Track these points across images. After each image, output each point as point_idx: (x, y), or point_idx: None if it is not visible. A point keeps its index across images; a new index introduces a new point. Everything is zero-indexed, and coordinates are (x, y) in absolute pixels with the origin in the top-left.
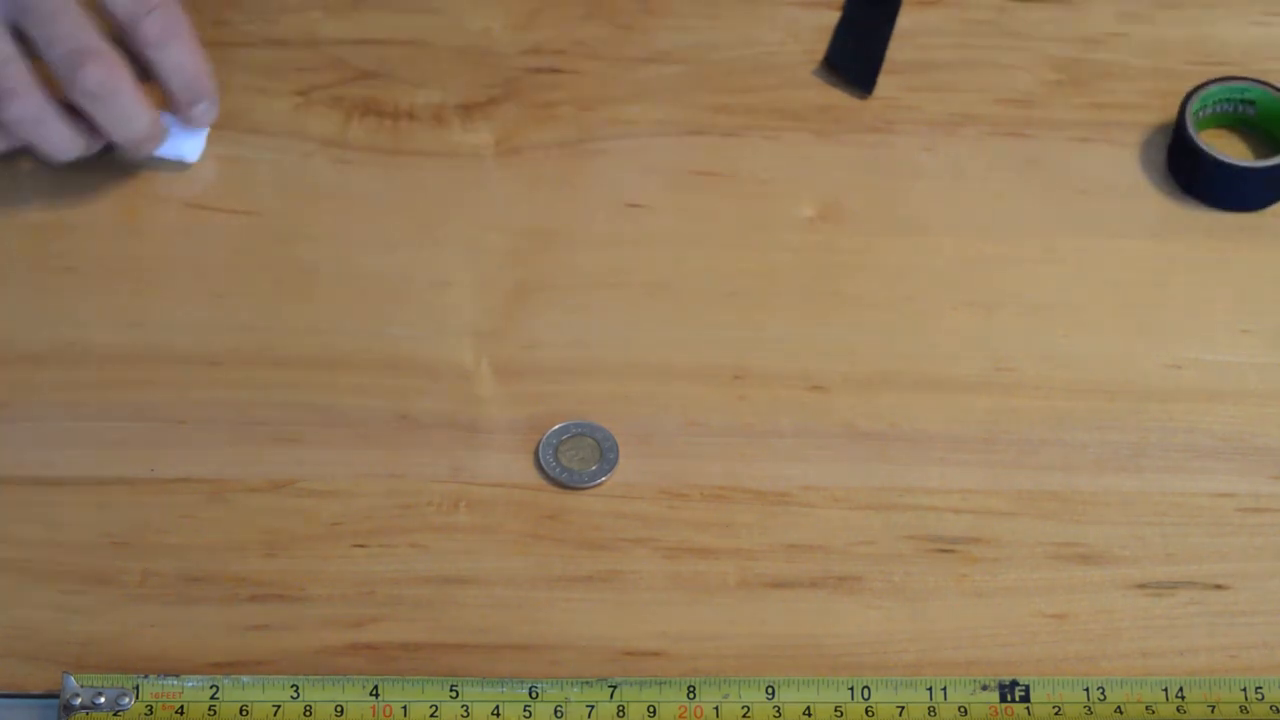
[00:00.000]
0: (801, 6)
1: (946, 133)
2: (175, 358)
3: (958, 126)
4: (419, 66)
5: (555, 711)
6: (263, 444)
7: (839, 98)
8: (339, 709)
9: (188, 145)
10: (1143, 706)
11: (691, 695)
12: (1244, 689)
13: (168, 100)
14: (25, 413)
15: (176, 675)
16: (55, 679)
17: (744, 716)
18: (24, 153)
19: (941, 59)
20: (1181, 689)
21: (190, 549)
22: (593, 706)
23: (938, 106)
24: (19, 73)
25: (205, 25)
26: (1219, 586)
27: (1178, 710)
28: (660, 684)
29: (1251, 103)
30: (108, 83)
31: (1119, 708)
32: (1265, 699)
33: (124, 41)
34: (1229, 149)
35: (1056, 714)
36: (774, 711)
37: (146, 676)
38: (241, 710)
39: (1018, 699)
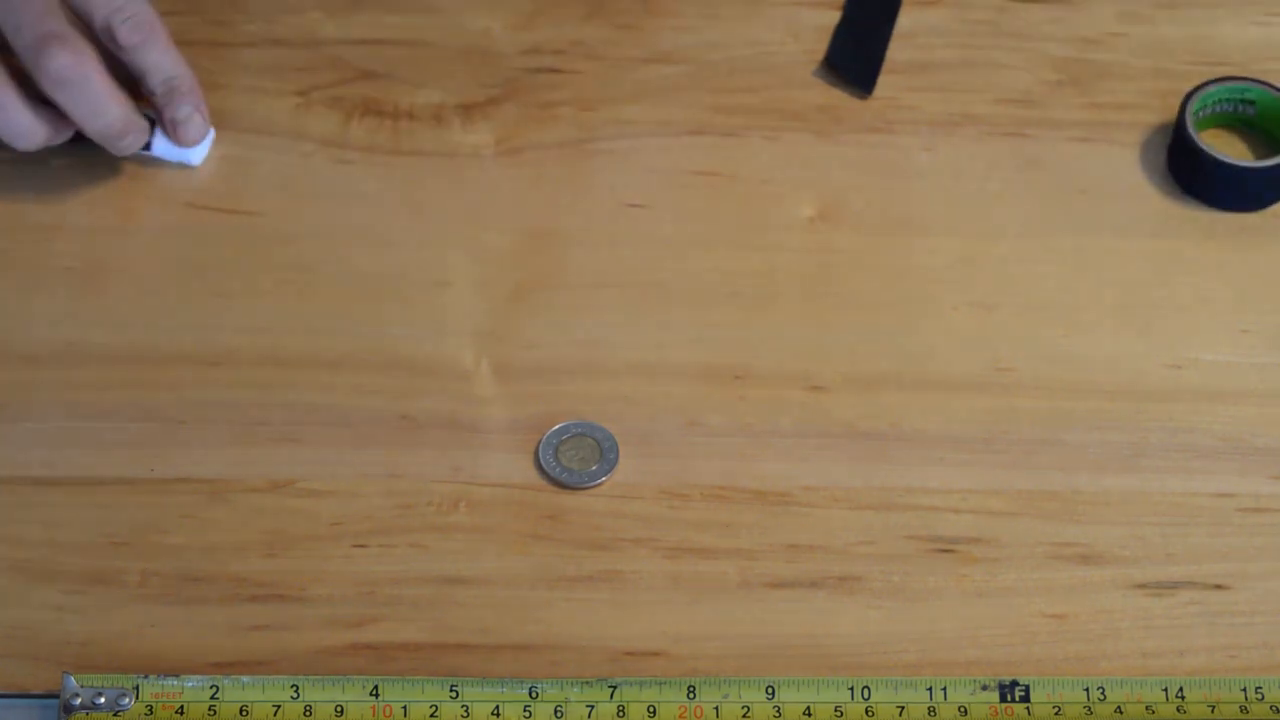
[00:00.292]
0: (801, 6)
1: (946, 133)
2: (175, 358)
3: (958, 126)
4: (419, 66)
5: (555, 711)
6: (263, 444)
7: (839, 98)
8: (339, 709)
9: (193, 149)
10: (1143, 706)
11: (691, 695)
12: (1244, 689)
13: (152, 104)
14: (25, 413)
15: (176, 675)
16: (55, 679)
17: (744, 716)
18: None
19: (941, 59)
20: (1181, 689)
21: (190, 549)
22: (593, 706)
23: (938, 106)
24: None
25: (205, 25)
26: (1219, 586)
27: (1178, 710)
28: (660, 684)
29: (1251, 103)
30: (74, 68)
31: (1119, 708)
32: (1265, 699)
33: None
34: (1229, 149)
35: (1056, 714)
36: (774, 711)
37: (146, 676)
38: (241, 710)
39: (1018, 699)
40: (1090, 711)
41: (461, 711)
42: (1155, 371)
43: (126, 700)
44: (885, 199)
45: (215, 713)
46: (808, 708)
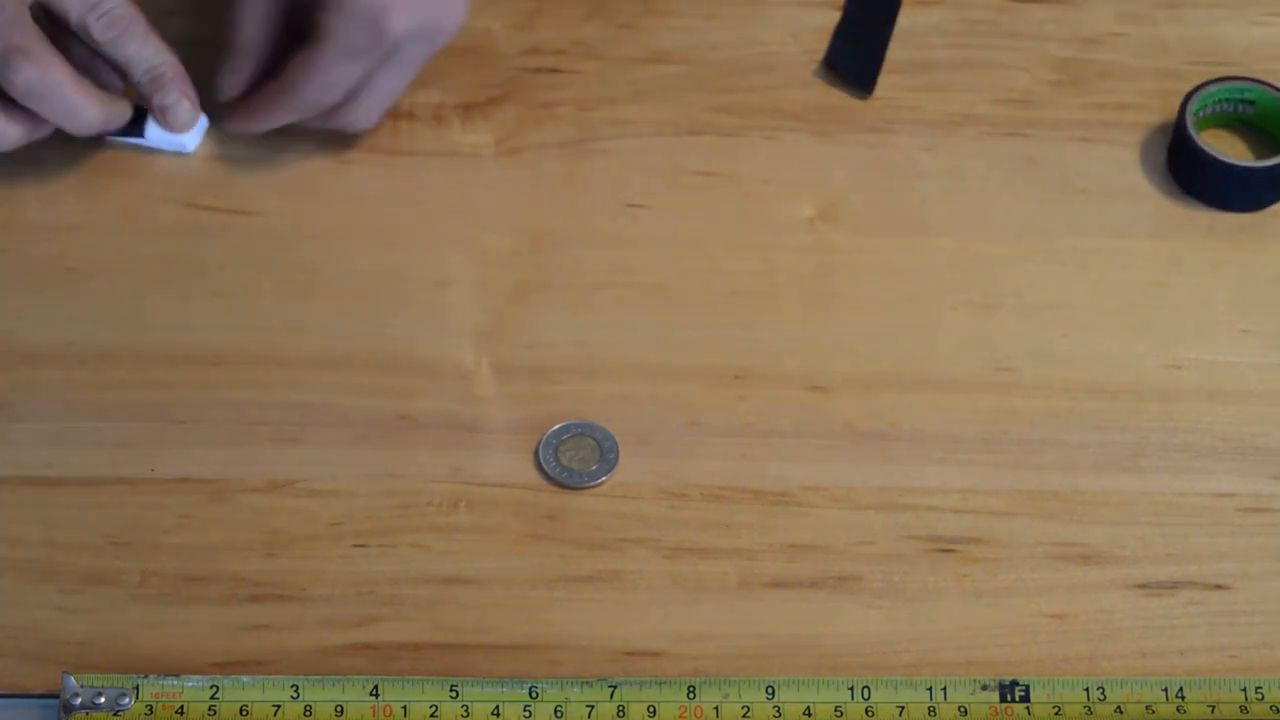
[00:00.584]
0: (801, 6)
1: (946, 133)
2: (175, 358)
3: (958, 126)
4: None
5: (555, 711)
6: (263, 444)
7: (839, 98)
8: (339, 709)
9: (187, 135)
10: (1143, 706)
11: (691, 695)
12: (1244, 689)
13: (138, 93)
14: (25, 413)
15: (176, 675)
16: (55, 679)
17: (744, 716)
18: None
19: (941, 59)
20: (1181, 689)
21: (190, 549)
22: (593, 706)
23: (938, 106)
24: None
25: (208, 26)
26: (1219, 586)
27: (1178, 710)
28: (660, 684)
29: (1251, 103)
30: (41, 81)
31: (1119, 708)
32: (1265, 699)
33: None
34: (1229, 149)
35: (1056, 714)
36: (774, 711)
37: (146, 676)
38: (241, 710)
39: (1018, 699)
40: (1090, 711)
41: (461, 711)
42: (1155, 371)
43: (126, 700)
44: (885, 199)
45: (215, 713)
46: (808, 708)
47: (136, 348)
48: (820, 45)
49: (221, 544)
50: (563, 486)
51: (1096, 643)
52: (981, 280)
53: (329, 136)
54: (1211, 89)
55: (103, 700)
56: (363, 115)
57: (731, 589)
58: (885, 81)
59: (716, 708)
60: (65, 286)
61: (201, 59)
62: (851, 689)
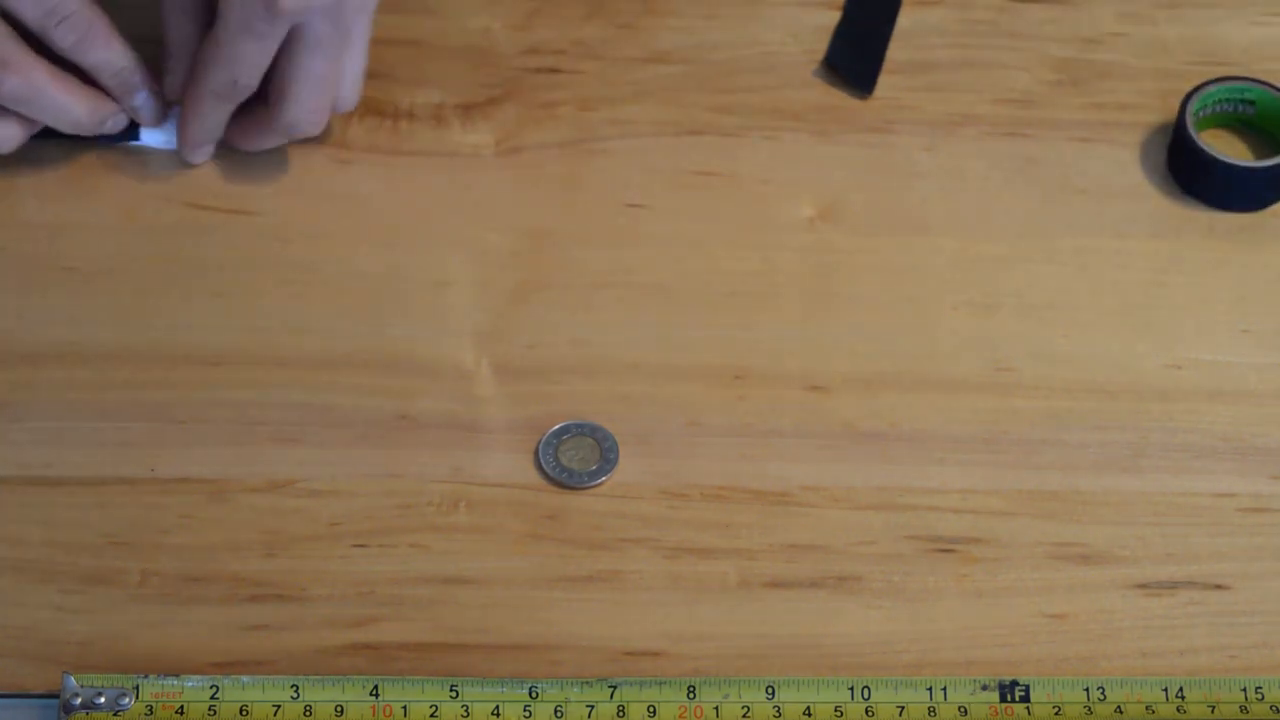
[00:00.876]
0: (801, 6)
1: (946, 133)
2: (175, 358)
3: (958, 126)
4: (419, 66)
5: (555, 711)
6: (263, 444)
7: (839, 98)
8: (339, 709)
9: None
10: (1143, 706)
11: (691, 695)
12: (1244, 689)
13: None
14: (25, 413)
15: (176, 675)
16: (55, 679)
17: (744, 716)
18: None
19: (941, 59)
20: (1181, 689)
21: (190, 549)
22: (593, 706)
23: (938, 106)
24: None
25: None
26: (1219, 586)
27: (1178, 710)
28: (660, 684)
29: (1251, 103)
30: (24, 89)
31: (1119, 708)
32: (1265, 699)
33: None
34: (1229, 149)
35: (1056, 714)
36: (774, 711)
37: (146, 676)
38: (241, 710)
39: (1018, 699)
40: (1090, 711)
41: (461, 711)
42: (1155, 371)
43: (126, 700)
44: (885, 199)
45: (215, 713)
46: (808, 708)
47: (136, 348)
48: (820, 45)
49: (221, 544)
50: (563, 486)
51: (1096, 643)
52: (981, 280)
53: (329, 136)
54: (1211, 89)
55: (103, 700)
56: (304, 111)
57: (731, 589)
58: (885, 81)
59: (716, 708)
60: (65, 286)
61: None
62: (851, 689)
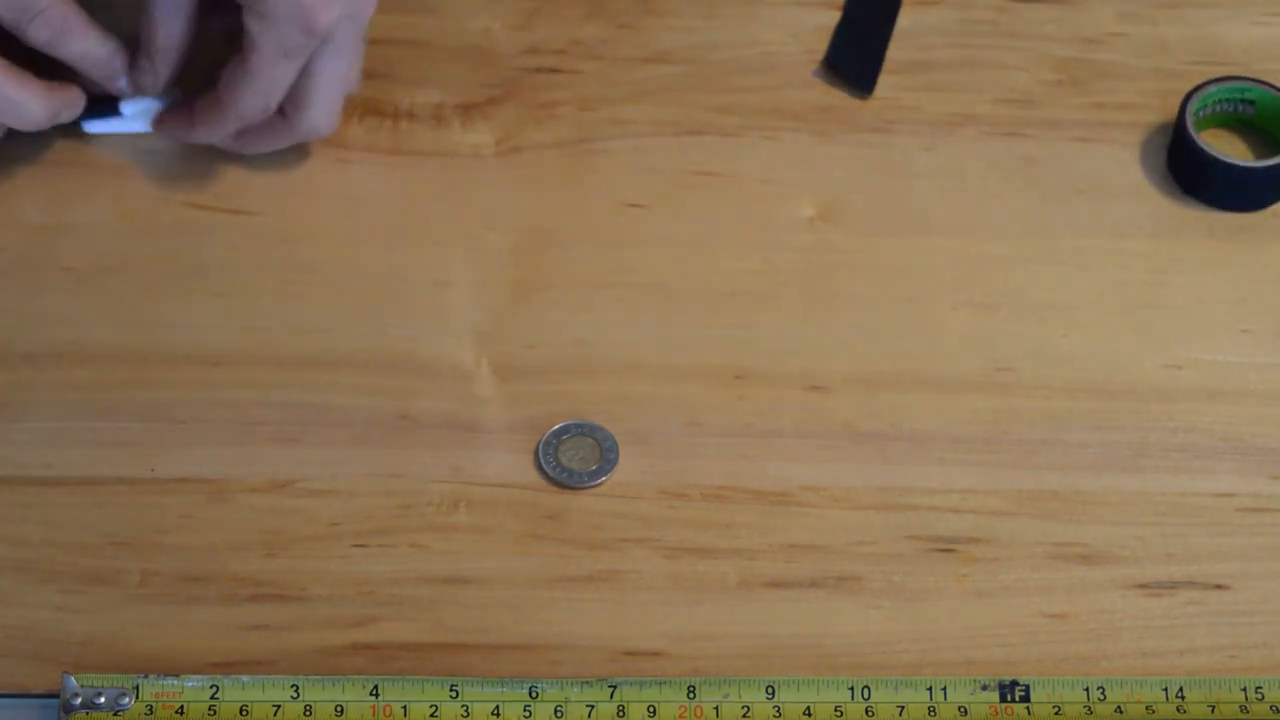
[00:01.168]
0: (801, 6)
1: (946, 133)
2: (175, 358)
3: (958, 126)
4: (419, 66)
5: (555, 711)
6: (263, 444)
7: (839, 98)
8: (339, 709)
9: (139, 118)
10: (1143, 706)
11: (691, 695)
12: (1244, 689)
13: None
14: (25, 413)
15: (176, 675)
16: (55, 679)
17: (744, 716)
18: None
19: (941, 59)
20: (1181, 689)
21: (190, 549)
22: (593, 706)
23: (938, 106)
24: None
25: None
26: (1219, 586)
27: (1178, 710)
28: (660, 684)
29: (1251, 103)
30: None
31: (1119, 708)
32: (1265, 699)
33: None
34: (1229, 149)
35: (1056, 714)
36: (774, 711)
37: (146, 676)
38: (241, 710)
39: (1018, 699)
40: (1090, 711)
41: (461, 711)
42: (1155, 371)
43: (126, 700)
44: (885, 199)
45: (215, 713)
46: (808, 708)
47: (136, 348)
48: (820, 45)
49: (221, 544)
50: (563, 486)
51: (1096, 643)
52: (981, 280)
53: (329, 136)
54: (1211, 89)
55: (103, 700)
56: (325, 115)
57: (731, 589)
58: (885, 81)
59: (716, 708)
60: (65, 286)
61: (203, 60)
62: (851, 689)
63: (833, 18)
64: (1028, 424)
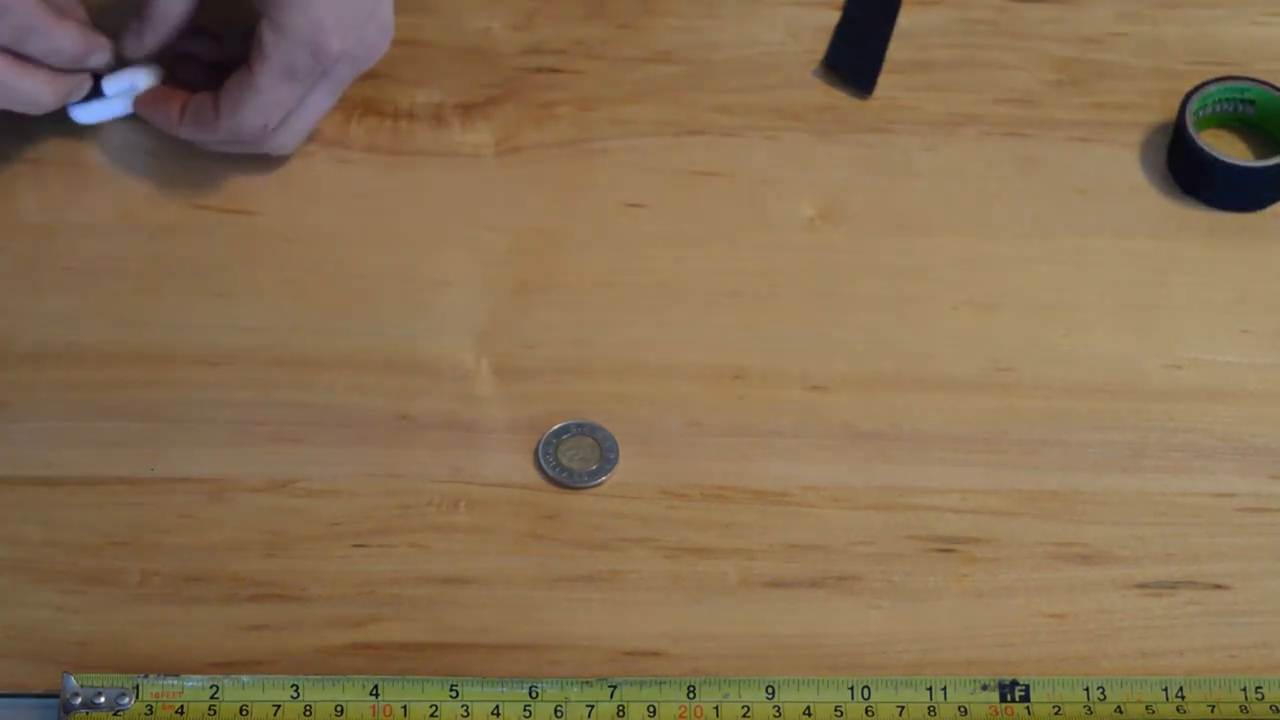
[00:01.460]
0: (801, 6)
1: (946, 133)
2: (175, 358)
3: (958, 126)
4: (419, 66)
5: (555, 711)
6: (263, 444)
7: (839, 98)
8: (339, 709)
9: (118, 103)
10: (1143, 706)
11: (691, 695)
12: (1244, 689)
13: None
14: (25, 413)
15: (176, 675)
16: (55, 679)
17: (744, 716)
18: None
19: (941, 59)
20: (1181, 689)
21: (190, 549)
22: (593, 706)
23: (938, 106)
24: None
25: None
26: (1219, 586)
27: (1178, 710)
28: (660, 684)
29: (1251, 103)
30: None
31: (1119, 708)
32: (1265, 699)
33: None
34: (1229, 149)
35: (1056, 714)
36: (774, 711)
37: (146, 676)
38: (241, 710)
39: (1018, 699)
40: (1090, 711)
41: (461, 711)
42: (1155, 371)
43: (126, 700)
44: (885, 199)
45: (215, 713)
46: (808, 708)
47: (136, 348)
48: (820, 45)
49: (221, 544)
50: (562, 486)
51: (1096, 643)
52: (981, 280)
53: (329, 136)
54: (1211, 89)
55: (103, 700)
56: (289, 137)
57: (731, 589)
58: (885, 81)
59: (716, 708)
60: (65, 286)
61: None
62: (851, 689)
63: (833, 18)
64: (1028, 424)
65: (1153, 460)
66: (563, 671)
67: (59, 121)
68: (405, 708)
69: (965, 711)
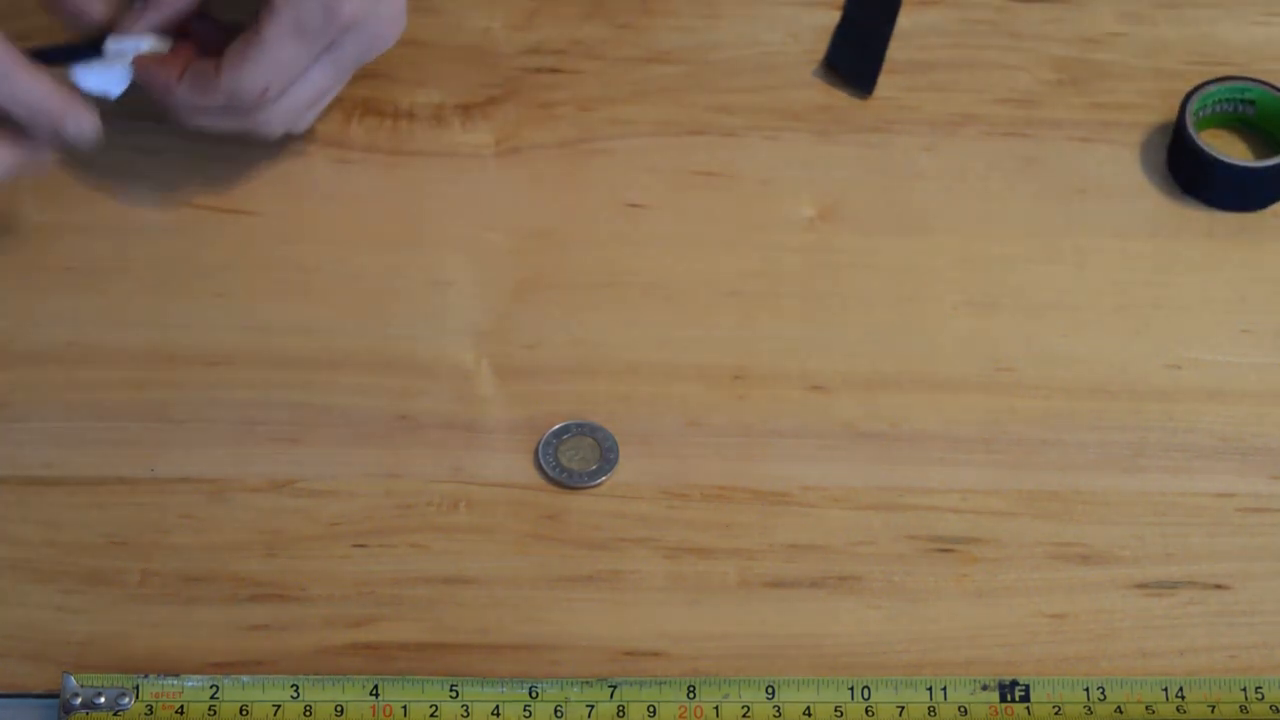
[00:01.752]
0: (801, 6)
1: (946, 133)
2: (175, 358)
3: (958, 126)
4: (419, 66)
5: (555, 711)
6: (263, 444)
7: (839, 98)
8: (339, 709)
9: (112, 81)
10: (1143, 706)
11: (691, 695)
12: (1244, 689)
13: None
14: (25, 413)
15: (176, 675)
16: (55, 679)
17: (744, 716)
18: None
19: (941, 59)
20: (1181, 689)
21: (190, 549)
22: (593, 706)
23: (938, 106)
24: None
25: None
26: (1219, 586)
27: (1178, 710)
28: (660, 684)
29: (1251, 103)
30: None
31: (1119, 708)
32: (1265, 699)
33: None
34: (1229, 149)
35: (1056, 714)
36: (774, 711)
37: (146, 676)
38: (241, 710)
39: (1018, 699)
40: (1090, 711)
41: (461, 711)
42: (1155, 371)
43: (126, 700)
44: (885, 199)
45: (215, 713)
46: (808, 708)
47: (136, 348)
48: (820, 45)
49: (221, 544)
50: (562, 486)
51: (1096, 643)
52: (982, 280)
53: (329, 136)
54: (1211, 89)
55: (103, 700)
56: (283, 115)
57: (731, 589)
58: (885, 81)
59: (716, 708)
60: (65, 286)
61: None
62: (851, 689)
63: (833, 18)
64: (1028, 424)
65: (1152, 460)
66: (563, 672)
67: None
68: (405, 708)
69: (965, 711)
